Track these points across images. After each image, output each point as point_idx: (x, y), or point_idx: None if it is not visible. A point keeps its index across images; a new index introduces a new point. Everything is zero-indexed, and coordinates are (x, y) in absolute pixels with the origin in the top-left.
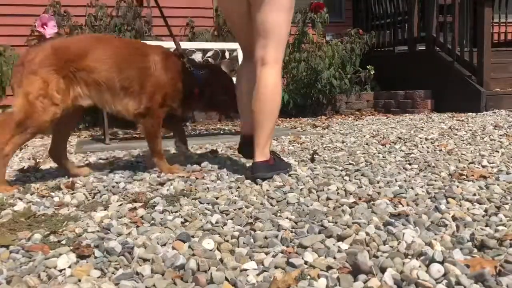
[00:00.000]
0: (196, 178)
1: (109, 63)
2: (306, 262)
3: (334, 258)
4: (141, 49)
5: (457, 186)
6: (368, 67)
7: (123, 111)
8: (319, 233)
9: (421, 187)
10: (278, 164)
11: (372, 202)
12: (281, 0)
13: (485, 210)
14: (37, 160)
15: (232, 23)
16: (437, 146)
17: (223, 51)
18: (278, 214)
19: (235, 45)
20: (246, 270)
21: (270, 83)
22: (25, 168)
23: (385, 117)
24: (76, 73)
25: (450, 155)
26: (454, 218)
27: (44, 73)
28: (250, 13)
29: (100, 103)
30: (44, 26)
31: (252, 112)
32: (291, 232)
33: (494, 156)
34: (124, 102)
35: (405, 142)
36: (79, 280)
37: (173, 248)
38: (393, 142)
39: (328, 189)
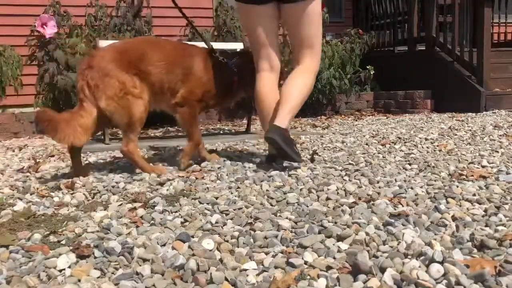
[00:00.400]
0: (196, 178)
1: (160, 65)
2: (306, 262)
3: (334, 258)
4: (187, 50)
5: (457, 186)
6: (368, 67)
7: (164, 105)
8: (319, 233)
9: (421, 187)
10: (293, 146)
11: (372, 202)
12: (313, 9)
13: (485, 210)
14: (37, 160)
15: (257, 36)
16: (437, 146)
17: None
18: (278, 214)
19: (235, 45)
20: (246, 270)
21: (299, 85)
22: (25, 168)
23: (385, 117)
24: (138, 74)
25: (450, 155)
26: (454, 218)
27: (118, 74)
28: (276, 27)
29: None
30: (44, 26)
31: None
32: (291, 232)
33: (494, 156)
34: (169, 99)
35: (405, 142)
36: (79, 280)
37: (173, 248)
38: (393, 142)
39: (328, 189)
